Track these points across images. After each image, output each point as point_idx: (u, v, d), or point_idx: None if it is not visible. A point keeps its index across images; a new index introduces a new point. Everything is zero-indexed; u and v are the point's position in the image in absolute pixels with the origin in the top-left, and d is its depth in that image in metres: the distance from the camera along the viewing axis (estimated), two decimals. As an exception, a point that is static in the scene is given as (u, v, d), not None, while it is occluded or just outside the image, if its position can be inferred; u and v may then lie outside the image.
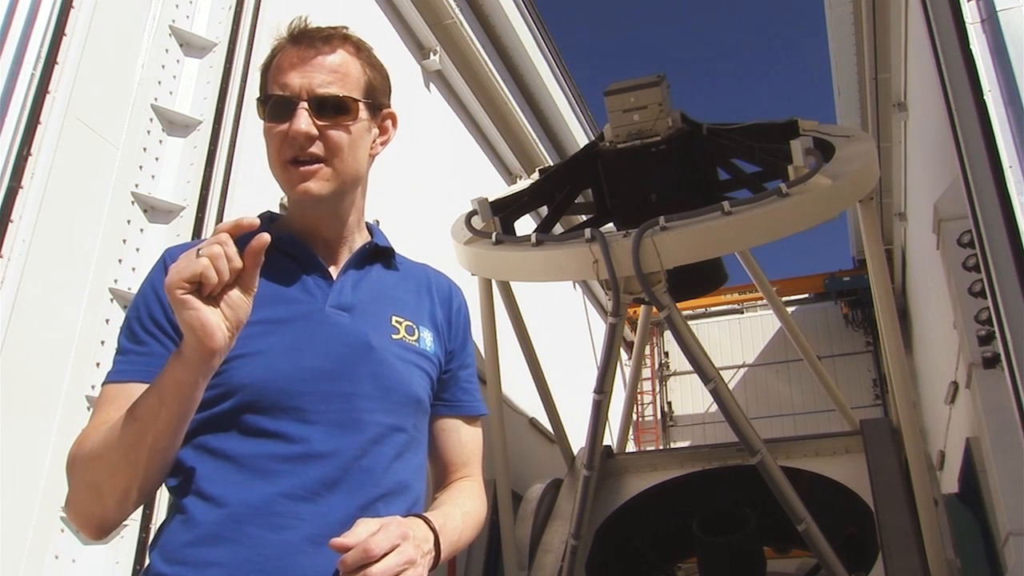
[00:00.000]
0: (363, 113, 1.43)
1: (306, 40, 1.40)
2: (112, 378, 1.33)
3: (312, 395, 1.30)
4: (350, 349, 1.35)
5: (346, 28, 1.46)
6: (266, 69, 1.45)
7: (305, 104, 1.36)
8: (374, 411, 1.33)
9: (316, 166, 1.37)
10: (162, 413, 1.18)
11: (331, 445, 1.27)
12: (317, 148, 1.37)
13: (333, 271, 1.45)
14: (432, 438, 1.52)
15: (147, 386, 1.23)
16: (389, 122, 1.51)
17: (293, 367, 1.30)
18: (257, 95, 1.46)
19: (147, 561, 1.34)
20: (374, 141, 1.48)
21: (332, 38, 1.42)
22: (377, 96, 1.46)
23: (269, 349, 1.31)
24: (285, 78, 1.38)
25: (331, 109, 1.38)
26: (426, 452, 1.48)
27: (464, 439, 1.55)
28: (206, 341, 1.13)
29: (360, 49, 1.45)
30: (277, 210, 1.60)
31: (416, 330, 1.46)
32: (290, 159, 1.37)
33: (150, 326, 1.34)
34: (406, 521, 1.24)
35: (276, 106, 1.38)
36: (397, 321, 1.44)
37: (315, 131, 1.36)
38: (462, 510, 1.43)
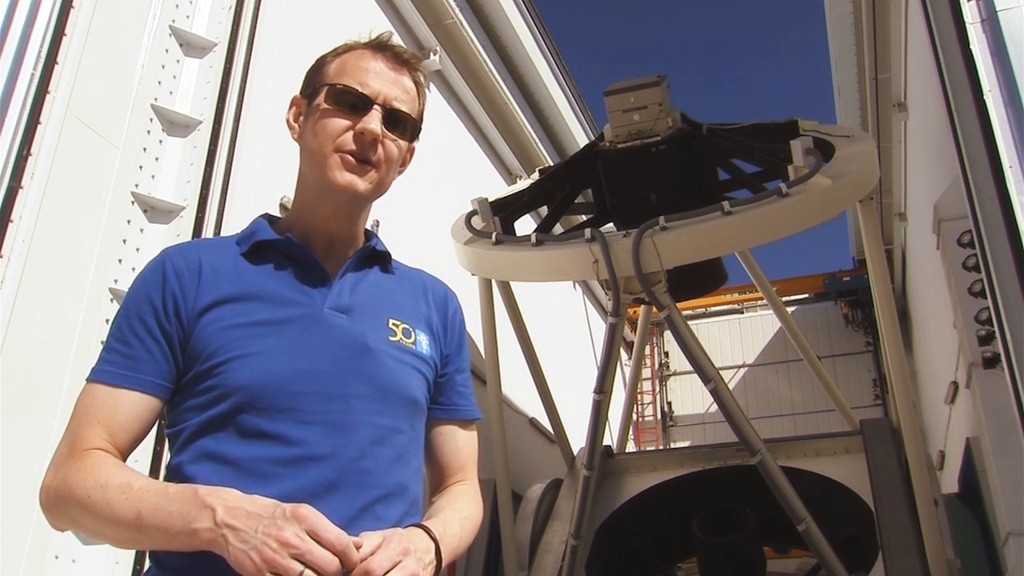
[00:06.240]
0: (412, 138, 1.51)
1: (389, 52, 1.49)
2: (95, 377, 1.35)
3: (309, 396, 1.30)
4: (347, 351, 1.36)
5: (417, 56, 1.56)
6: (330, 60, 1.49)
7: (380, 109, 1.43)
8: (371, 412, 1.34)
9: (369, 167, 1.43)
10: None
11: (329, 447, 1.28)
12: (375, 153, 1.43)
13: (332, 273, 1.46)
14: (428, 442, 1.53)
15: (127, 392, 1.30)
16: (410, 155, 1.57)
17: (290, 368, 1.31)
18: (329, 81, 1.47)
19: (147, 562, 1.34)
20: (400, 166, 1.53)
21: (409, 63, 1.51)
22: (419, 128, 1.54)
23: (267, 350, 1.32)
24: (366, 78, 1.45)
25: (397, 123, 1.46)
26: (423, 454, 1.49)
27: (460, 443, 1.56)
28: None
29: (420, 84, 1.54)
30: (276, 211, 1.60)
31: (412, 333, 1.47)
32: (348, 151, 1.42)
33: (138, 328, 1.35)
34: (406, 534, 1.24)
35: (352, 99, 1.43)
36: (394, 324, 1.45)
37: (381, 137, 1.43)
38: (460, 515, 1.44)
